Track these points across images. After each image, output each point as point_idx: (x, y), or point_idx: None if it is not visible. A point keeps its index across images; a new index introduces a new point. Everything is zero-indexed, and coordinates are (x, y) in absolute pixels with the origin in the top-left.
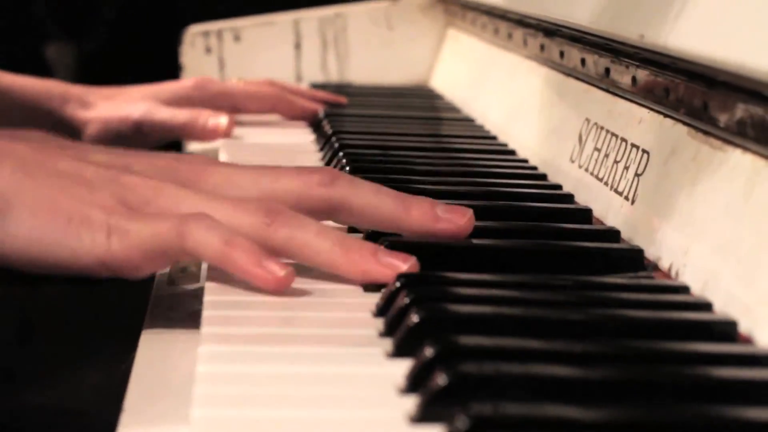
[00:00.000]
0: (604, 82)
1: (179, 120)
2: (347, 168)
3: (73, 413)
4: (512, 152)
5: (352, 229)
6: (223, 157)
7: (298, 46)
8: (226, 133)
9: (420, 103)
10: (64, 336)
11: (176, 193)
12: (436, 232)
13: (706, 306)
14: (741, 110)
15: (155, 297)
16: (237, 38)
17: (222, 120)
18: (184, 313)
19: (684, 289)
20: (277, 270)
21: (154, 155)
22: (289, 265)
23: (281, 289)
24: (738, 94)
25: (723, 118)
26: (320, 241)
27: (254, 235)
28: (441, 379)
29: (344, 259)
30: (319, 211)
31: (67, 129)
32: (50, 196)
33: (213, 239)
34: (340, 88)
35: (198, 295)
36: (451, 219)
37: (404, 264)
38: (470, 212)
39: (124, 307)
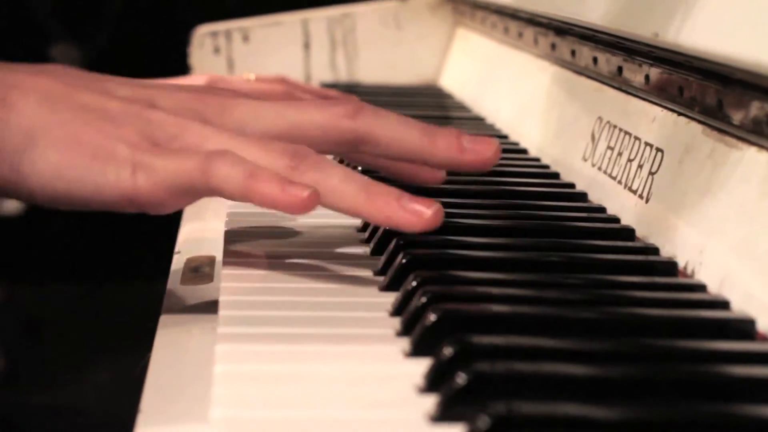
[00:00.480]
0: (617, 81)
1: None
2: (359, 168)
3: (81, 412)
4: (524, 151)
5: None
6: None
7: (306, 46)
8: None
9: (429, 102)
10: (71, 336)
11: (202, 131)
12: (462, 163)
13: (724, 304)
14: (756, 108)
15: (169, 296)
16: (246, 38)
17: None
18: (199, 313)
19: (701, 287)
20: (300, 191)
21: (180, 87)
22: (311, 187)
23: (307, 210)
24: (753, 92)
25: (738, 116)
26: (345, 186)
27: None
28: (460, 379)
29: (368, 204)
30: (345, 143)
31: None
32: (75, 131)
33: (237, 173)
34: (350, 88)
35: (212, 294)
36: (476, 150)
37: (428, 209)
38: (496, 143)
39: (130, 307)
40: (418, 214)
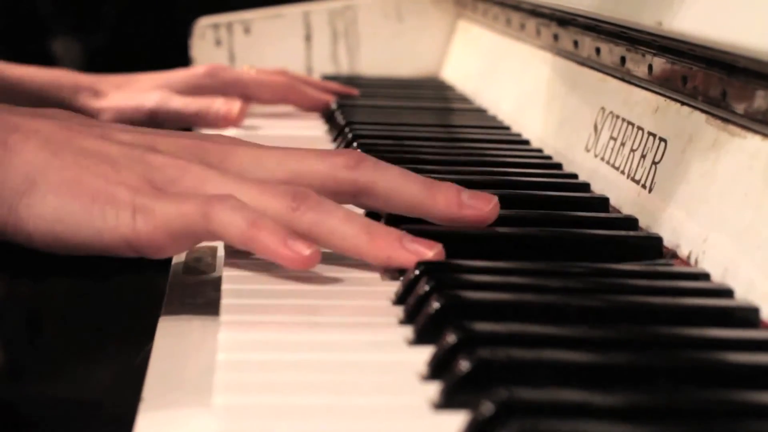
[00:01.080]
0: (620, 71)
1: (192, 108)
2: None
3: (83, 405)
4: (526, 142)
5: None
6: None
7: (308, 38)
8: (238, 120)
9: (431, 94)
10: (72, 330)
11: (202, 174)
12: (461, 219)
13: (728, 292)
14: (761, 97)
15: (171, 287)
16: (247, 31)
17: (234, 106)
18: (201, 302)
19: (704, 276)
20: (303, 249)
21: (180, 134)
22: (314, 245)
23: (307, 268)
24: (758, 80)
25: (742, 105)
26: (346, 226)
27: (280, 219)
28: (464, 366)
29: (370, 245)
30: (345, 194)
31: None
32: (75, 175)
33: (238, 220)
34: (351, 80)
35: (214, 284)
36: (476, 206)
37: (430, 251)
38: (495, 199)
39: (133, 301)
40: (420, 254)
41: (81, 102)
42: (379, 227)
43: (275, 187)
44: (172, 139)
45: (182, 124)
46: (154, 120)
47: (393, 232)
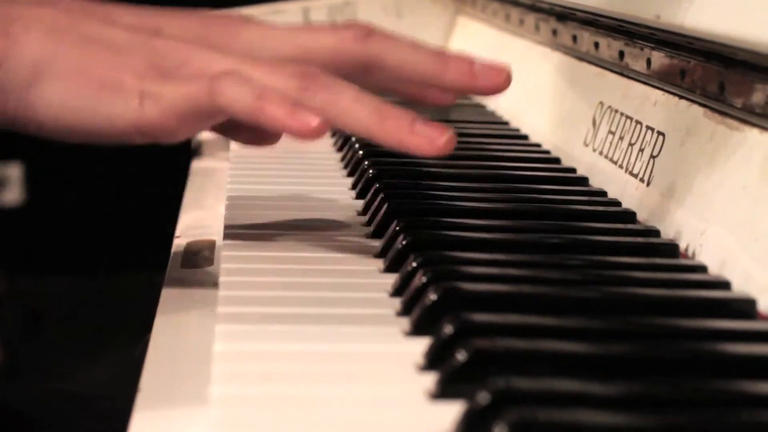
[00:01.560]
0: (618, 66)
1: None
2: (360, 152)
3: (83, 402)
4: (525, 137)
5: None
6: (234, 153)
7: None
8: None
9: None
10: (72, 327)
11: (208, 56)
12: (473, 88)
13: (725, 284)
14: (759, 90)
15: (168, 281)
16: None
17: None
18: (199, 296)
19: (701, 268)
20: (310, 119)
21: (185, 15)
22: (322, 116)
23: (316, 138)
24: (756, 73)
25: (740, 98)
26: (357, 107)
27: (290, 96)
28: (460, 356)
29: (380, 127)
30: (355, 67)
31: None
32: (81, 62)
33: (245, 93)
34: None
35: (212, 278)
36: (488, 75)
37: (441, 136)
38: (507, 71)
39: (131, 298)
40: (431, 139)
41: None
42: (391, 109)
43: (285, 66)
44: (177, 21)
45: None
46: None
47: (405, 114)
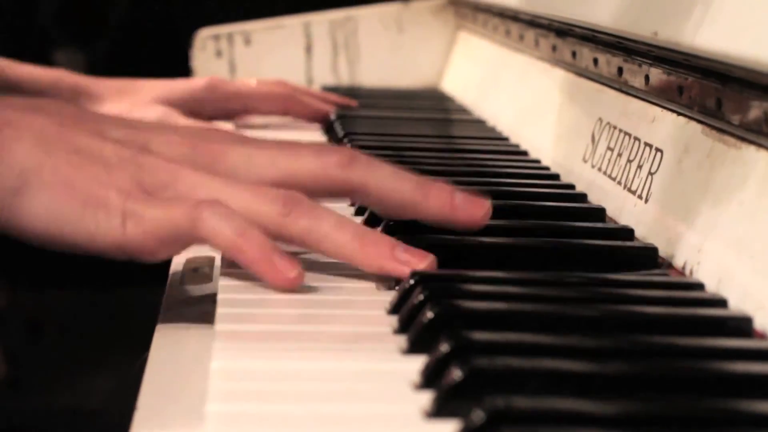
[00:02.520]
0: (617, 82)
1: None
2: None
3: (86, 414)
4: (524, 153)
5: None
6: None
7: (308, 49)
8: None
9: (431, 105)
10: (73, 340)
11: (193, 178)
12: (453, 221)
13: (721, 302)
14: (755, 107)
15: (168, 297)
16: (247, 41)
17: None
18: (197, 312)
19: (698, 286)
20: (287, 269)
21: (173, 130)
22: (300, 265)
23: (290, 288)
24: (752, 90)
25: (737, 116)
26: (338, 233)
27: (271, 224)
28: (456, 374)
29: (361, 252)
30: (337, 192)
31: None
32: (68, 175)
33: (226, 229)
34: (351, 91)
35: (211, 295)
36: (468, 210)
37: (421, 262)
38: (488, 204)
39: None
40: (412, 265)
41: (79, 105)
42: (372, 235)
43: (267, 191)
44: (165, 137)
45: None
46: None
47: (385, 241)
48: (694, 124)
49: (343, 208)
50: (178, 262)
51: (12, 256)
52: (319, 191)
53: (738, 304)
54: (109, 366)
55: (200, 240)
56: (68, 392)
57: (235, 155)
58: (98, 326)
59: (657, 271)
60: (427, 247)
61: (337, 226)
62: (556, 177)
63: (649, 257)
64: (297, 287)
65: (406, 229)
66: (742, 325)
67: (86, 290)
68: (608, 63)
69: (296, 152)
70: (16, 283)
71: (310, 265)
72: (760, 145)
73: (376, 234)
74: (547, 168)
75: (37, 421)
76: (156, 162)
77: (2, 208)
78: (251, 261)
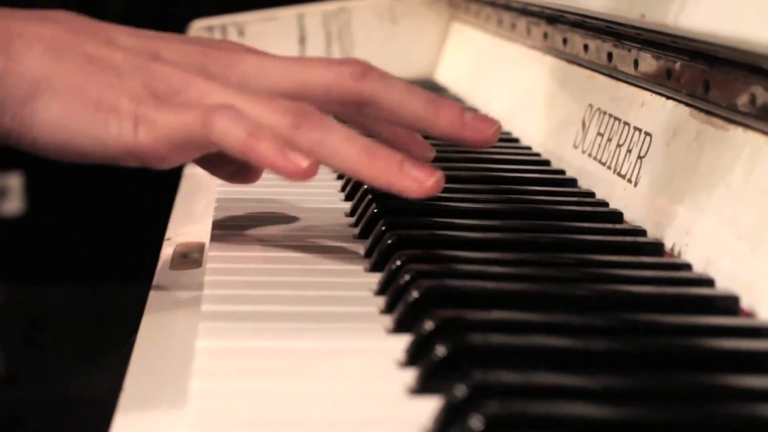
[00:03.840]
0: (607, 68)
1: None
2: None
3: (85, 406)
4: (516, 140)
5: None
6: None
7: (302, 40)
8: None
9: None
10: (71, 337)
11: (205, 86)
12: (461, 138)
13: (708, 282)
14: (742, 88)
15: (157, 282)
16: (241, 33)
17: None
18: (186, 297)
19: (686, 266)
20: (300, 160)
21: (185, 39)
22: (312, 158)
23: (305, 179)
24: (739, 71)
25: (724, 97)
26: (348, 147)
27: (281, 134)
28: (440, 351)
29: (370, 166)
30: (349, 104)
31: None
32: (79, 82)
33: (238, 130)
34: None
35: (200, 280)
36: (477, 127)
37: (429, 178)
38: (498, 124)
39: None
40: (419, 181)
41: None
42: (382, 149)
43: (278, 102)
44: (176, 45)
45: None
46: None
47: (395, 155)
48: (682, 107)
49: (333, 194)
50: (167, 247)
51: (10, 253)
52: (330, 103)
53: (725, 284)
54: (106, 360)
55: (212, 143)
56: (66, 386)
57: (247, 64)
58: (96, 321)
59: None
60: (416, 235)
61: (346, 140)
62: (546, 163)
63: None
64: (311, 177)
65: (401, 222)
66: (729, 304)
67: (84, 287)
68: (598, 49)
69: (310, 63)
70: (14, 280)
71: (299, 249)
72: (747, 126)
73: (385, 149)
74: (537, 154)
75: (35, 414)
76: (168, 69)
77: (13, 118)
78: (264, 156)
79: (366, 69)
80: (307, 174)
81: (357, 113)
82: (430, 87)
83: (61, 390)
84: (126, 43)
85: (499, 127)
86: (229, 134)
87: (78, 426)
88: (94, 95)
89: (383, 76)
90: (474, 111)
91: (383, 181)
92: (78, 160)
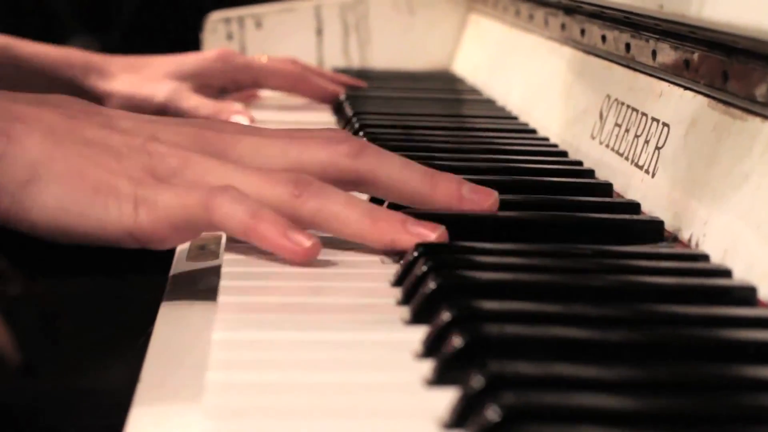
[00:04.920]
0: (625, 59)
1: (202, 113)
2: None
3: (102, 397)
4: (533, 131)
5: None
6: None
7: (319, 32)
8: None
9: (441, 86)
10: (87, 329)
11: (203, 164)
12: (461, 211)
13: (726, 273)
14: (760, 78)
15: (174, 274)
16: (258, 25)
17: (242, 119)
18: (203, 288)
19: (703, 257)
20: (303, 241)
21: (182, 122)
22: (315, 236)
23: (308, 260)
24: (757, 61)
25: (743, 88)
26: (349, 212)
27: (282, 206)
28: (457, 342)
29: (373, 229)
30: (346, 182)
31: (88, 99)
32: (78, 165)
33: (239, 212)
34: (362, 74)
35: (217, 271)
36: (476, 200)
37: (433, 233)
38: (495, 194)
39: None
40: (423, 237)
41: (90, 82)
42: (382, 211)
43: (277, 174)
44: (173, 128)
45: None
46: (163, 114)
47: (396, 215)
48: (700, 97)
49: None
50: None
51: (26, 244)
52: (327, 180)
53: (743, 274)
54: (123, 352)
55: (213, 226)
56: (82, 377)
57: (244, 144)
58: (113, 313)
59: (663, 244)
60: (436, 221)
61: (347, 205)
62: (564, 154)
63: (655, 230)
64: (314, 258)
65: (418, 213)
66: (747, 295)
67: (101, 278)
68: (616, 39)
69: (306, 142)
70: (30, 272)
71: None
72: (765, 117)
73: (386, 210)
74: (555, 145)
75: (52, 405)
76: (166, 149)
77: (12, 201)
78: (266, 238)
79: (362, 147)
80: (310, 254)
81: (354, 190)
82: (448, 78)
83: (78, 381)
84: (124, 125)
85: (497, 198)
86: (232, 216)
87: (95, 416)
88: (92, 178)
89: (380, 153)
90: (471, 184)
91: (387, 240)
92: (78, 242)
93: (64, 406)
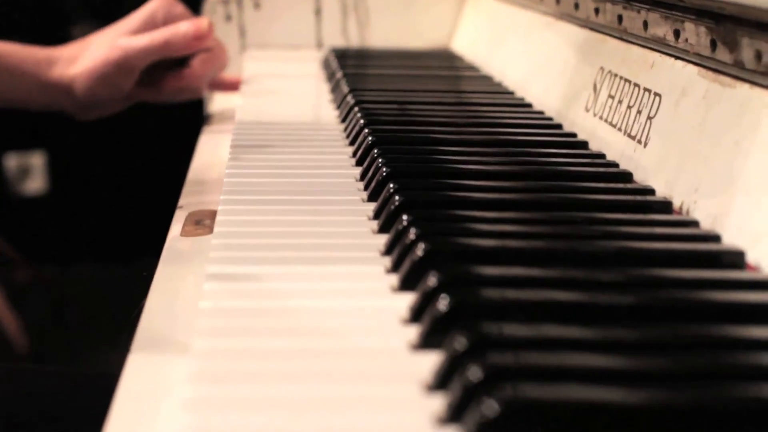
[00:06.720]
0: (618, 30)
1: (159, 40)
2: (362, 121)
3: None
4: (528, 105)
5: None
6: (239, 121)
7: (318, 12)
8: (209, 35)
9: (439, 64)
10: (95, 316)
11: None
12: None
13: (715, 238)
14: (747, 45)
15: (168, 248)
16: (257, 5)
17: (202, 23)
18: (196, 262)
19: (693, 223)
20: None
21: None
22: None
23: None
24: (744, 28)
25: (730, 55)
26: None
27: None
28: (442, 305)
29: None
30: None
31: (56, 89)
32: None
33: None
34: (361, 53)
35: (209, 246)
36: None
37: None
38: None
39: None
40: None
41: (56, 74)
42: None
43: None
44: None
45: (158, 60)
46: (128, 67)
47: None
48: (690, 66)
49: (344, 159)
50: (180, 215)
51: (34, 232)
52: None
53: (732, 239)
54: (130, 337)
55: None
56: (91, 365)
57: None
58: (120, 299)
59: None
60: (424, 195)
61: None
62: (558, 126)
63: (647, 199)
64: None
65: (409, 183)
66: (735, 259)
67: (108, 265)
68: (609, 12)
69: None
70: (38, 260)
71: (308, 211)
72: (753, 83)
73: None
74: (550, 118)
75: (60, 391)
76: None
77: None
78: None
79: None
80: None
81: None
82: (447, 56)
83: (86, 367)
84: None
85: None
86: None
87: (103, 403)
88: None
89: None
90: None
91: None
92: None
93: (71, 393)
